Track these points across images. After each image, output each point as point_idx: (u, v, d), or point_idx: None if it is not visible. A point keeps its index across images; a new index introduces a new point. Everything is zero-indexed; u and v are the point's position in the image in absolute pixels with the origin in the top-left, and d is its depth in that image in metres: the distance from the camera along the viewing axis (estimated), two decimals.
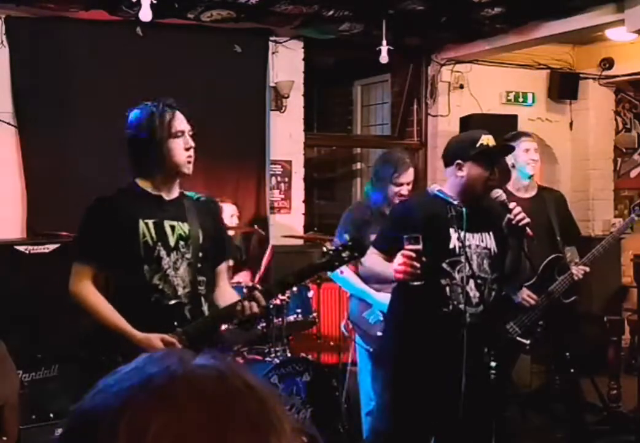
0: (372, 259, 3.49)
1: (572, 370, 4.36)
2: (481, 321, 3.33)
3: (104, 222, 2.94)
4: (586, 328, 6.04)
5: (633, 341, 6.62)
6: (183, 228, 3.00)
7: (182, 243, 2.98)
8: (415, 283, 3.19)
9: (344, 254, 2.94)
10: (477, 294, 3.37)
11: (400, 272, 3.16)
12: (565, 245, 4.64)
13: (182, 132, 2.96)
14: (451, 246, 3.35)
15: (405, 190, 4.23)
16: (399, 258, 3.18)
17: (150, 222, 2.95)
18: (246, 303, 2.89)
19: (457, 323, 3.28)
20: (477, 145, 3.35)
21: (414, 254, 3.15)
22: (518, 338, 4.31)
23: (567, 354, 4.07)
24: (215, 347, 3.06)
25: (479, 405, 3.32)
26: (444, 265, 3.33)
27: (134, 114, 3.01)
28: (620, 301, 7.05)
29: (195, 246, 3.00)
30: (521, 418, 4.60)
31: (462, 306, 3.31)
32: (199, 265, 3.01)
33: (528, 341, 4.33)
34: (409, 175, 4.25)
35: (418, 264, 3.15)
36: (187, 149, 2.96)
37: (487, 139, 3.37)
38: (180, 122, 2.97)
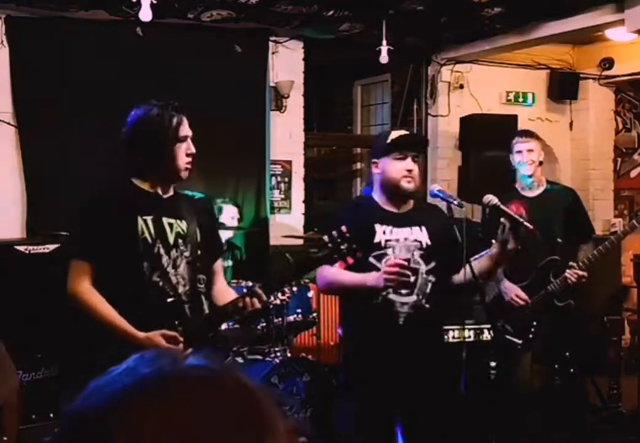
0: (328, 268, 3.32)
1: (572, 370, 4.36)
2: (422, 312, 3.35)
3: (102, 218, 2.86)
4: (586, 328, 6.03)
5: (633, 341, 6.62)
6: (181, 225, 2.96)
7: (180, 240, 2.94)
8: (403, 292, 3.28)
9: (342, 247, 2.83)
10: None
11: (391, 280, 3.20)
12: (580, 244, 4.58)
13: (186, 137, 2.91)
14: (376, 240, 3.38)
15: None
16: (391, 267, 3.21)
17: (148, 219, 2.89)
18: (247, 299, 2.84)
19: (390, 312, 3.33)
20: (388, 141, 3.40)
21: (406, 263, 3.22)
22: (508, 337, 4.32)
23: (567, 354, 4.07)
24: (216, 345, 3.03)
25: (479, 404, 3.33)
26: (371, 259, 3.35)
27: (138, 113, 2.91)
28: (620, 301, 7.04)
29: (194, 244, 2.97)
30: (521, 418, 4.59)
31: (391, 296, 3.34)
32: (198, 263, 2.98)
33: (520, 341, 4.34)
34: None
35: (409, 273, 3.21)
36: (188, 155, 2.90)
37: (395, 134, 3.44)
38: (186, 127, 2.92)
